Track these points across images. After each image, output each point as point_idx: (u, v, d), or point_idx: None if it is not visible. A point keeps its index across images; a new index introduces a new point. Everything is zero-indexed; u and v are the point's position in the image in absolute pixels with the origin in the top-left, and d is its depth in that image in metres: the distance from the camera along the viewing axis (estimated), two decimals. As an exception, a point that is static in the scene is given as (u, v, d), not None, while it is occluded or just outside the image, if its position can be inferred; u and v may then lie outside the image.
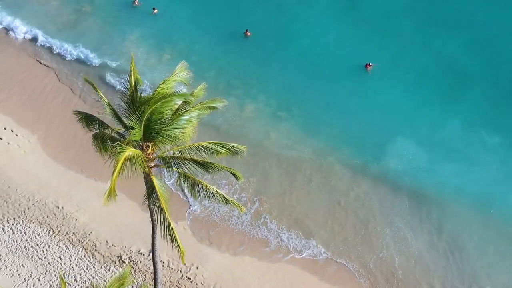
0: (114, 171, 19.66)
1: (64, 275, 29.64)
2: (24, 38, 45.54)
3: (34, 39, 45.34)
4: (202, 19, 46.13)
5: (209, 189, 21.58)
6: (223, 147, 22.02)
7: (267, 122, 38.41)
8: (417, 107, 38.66)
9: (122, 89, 22.47)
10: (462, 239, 31.81)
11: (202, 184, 21.59)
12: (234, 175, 21.86)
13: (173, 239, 21.12)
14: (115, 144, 20.58)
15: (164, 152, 21.94)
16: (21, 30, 45.91)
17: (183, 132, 21.12)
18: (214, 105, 22.24)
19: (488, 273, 30.34)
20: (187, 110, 21.47)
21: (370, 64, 40.74)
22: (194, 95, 22.35)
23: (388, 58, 41.70)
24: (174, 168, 21.46)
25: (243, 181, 22.29)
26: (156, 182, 21.43)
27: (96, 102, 22.64)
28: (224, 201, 21.91)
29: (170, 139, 21.01)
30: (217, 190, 21.76)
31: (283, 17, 45.85)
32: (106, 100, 22.38)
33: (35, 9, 47.97)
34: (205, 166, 21.56)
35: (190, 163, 21.52)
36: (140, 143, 21.39)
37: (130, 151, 20.04)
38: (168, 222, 20.85)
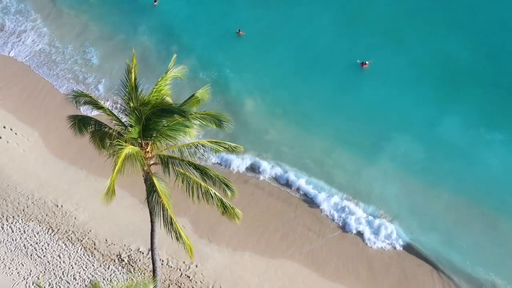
0: (114, 168, 19.59)
1: (63, 274, 29.64)
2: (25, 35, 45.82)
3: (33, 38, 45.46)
4: (199, 12, 46.52)
5: (207, 191, 21.32)
6: (222, 146, 21.96)
7: (264, 119, 38.66)
8: (415, 105, 38.63)
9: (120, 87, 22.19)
10: (460, 236, 31.86)
11: (200, 185, 21.38)
12: (227, 187, 21.26)
13: (177, 236, 21.01)
14: (114, 141, 20.49)
15: (163, 151, 21.88)
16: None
17: (183, 135, 21.01)
18: (219, 120, 21.50)
19: (486, 271, 30.38)
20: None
21: (366, 62, 40.71)
22: (197, 97, 21.97)
23: (386, 56, 41.68)
24: (170, 166, 21.34)
25: (235, 196, 21.43)
26: (155, 180, 21.35)
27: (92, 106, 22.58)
28: (222, 207, 21.41)
29: (169, 139, 20.96)
30: (216, 193, 21.46)
31: (279, 15, 45.91)
32: (105, 105, 22.32)
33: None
34: (201, 171, 21.37)
35: (188, 165, 21.40)
36: (139, 141, 21.34)
37: (129, 148, 19.99)
38: (171, 219, 20.72)
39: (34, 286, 28.95)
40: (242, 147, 22.36)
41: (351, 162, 35.81)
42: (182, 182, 21.45)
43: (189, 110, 20.87)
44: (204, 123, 21.41)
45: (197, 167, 21.45)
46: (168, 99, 21.86)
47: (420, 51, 42.08)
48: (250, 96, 40.19)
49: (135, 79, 21.30)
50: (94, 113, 32.22)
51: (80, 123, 22.35)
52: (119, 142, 20.21)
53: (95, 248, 31.03)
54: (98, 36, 45.49)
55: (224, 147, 22.04)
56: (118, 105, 22.13)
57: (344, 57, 41.92)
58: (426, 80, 40.12)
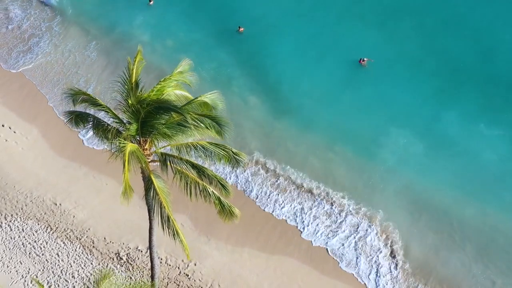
0: (124, 168, 19.40)
1: (61, 272, 29.63)
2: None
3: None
4: (198, 10, 46.47)
5: (205, 189, 21.15)
6: (223, 150, 21.26)
7: (264, 116, 38.63)
8: (414, 101, 38.47)
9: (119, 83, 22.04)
10: (459, 234, 31.80)
11: (198, 183, 21.24)
12: (223, 187, 21.08)
13: (174, 234, 20.89)
14: (114, 139, 20.42)
15: (161, 148, 21.80)
16: None
17: (180, 134, 20.84)
18: (218, 123, 20.59)
19: (485, 271, 30.33)
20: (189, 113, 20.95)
21: (365, 59, 40.59)
22: (205, 102, 21.46)
23: (385, 53, 41.52)
24: (168, 163, 21.23)
25: (231, 196, 21.23)
26: (153, 177, 21.23)
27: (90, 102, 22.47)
28: (219, 205, 21.24)
29: (167, 137, 20.85)
30: (213, 191, 21.28)
31: (279, 12, 45.79)
32: (104, 104, 22.23)
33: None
34: (199, 169, 21.20)
35: (186, 163, 21.24)
36: (137, 138, 21.26)
37: (130, 146, 19.90)
38: (168, 217, 20.61)
39: (33, 284, 28.94)
40: (245, 155, 21.74)
41: (350, 160, 35.69)
42: (180, 180, 21.33)
43: (187, 109, 20.57)
44: (202, 125, 20.62)
45: (194, 166, 21.37)
46: (180, 93, 21.65)
47: (418, 48, 41.95)
48: (250, 93, 40.08)
49: (137, 76, 21.14)
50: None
51: (78, 118, 22.28)
52: (120, 140, 20.13)
53: (93, 246, 31.00)
54: (95, 36, 45.37)
55: (225, 151, 21.30)
56: (115, 103, 21.81)
57: (343, 54, 41.80)
58: (425, 77, 39.97)
